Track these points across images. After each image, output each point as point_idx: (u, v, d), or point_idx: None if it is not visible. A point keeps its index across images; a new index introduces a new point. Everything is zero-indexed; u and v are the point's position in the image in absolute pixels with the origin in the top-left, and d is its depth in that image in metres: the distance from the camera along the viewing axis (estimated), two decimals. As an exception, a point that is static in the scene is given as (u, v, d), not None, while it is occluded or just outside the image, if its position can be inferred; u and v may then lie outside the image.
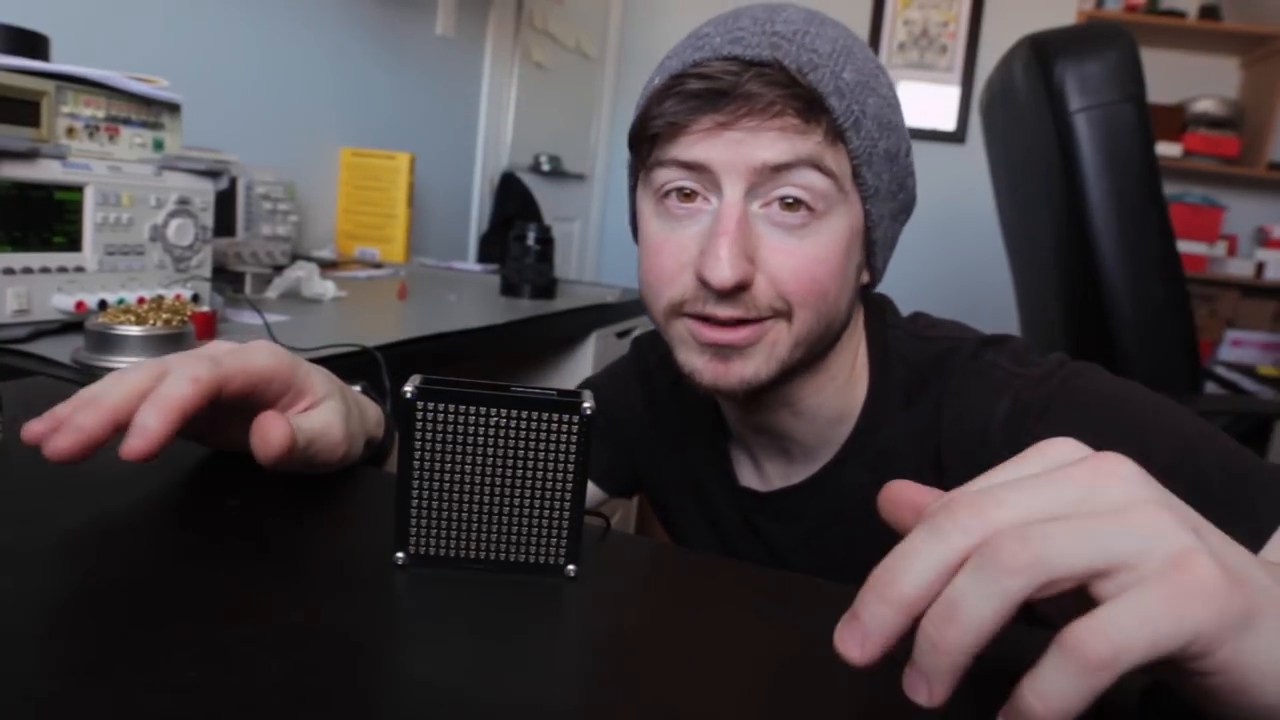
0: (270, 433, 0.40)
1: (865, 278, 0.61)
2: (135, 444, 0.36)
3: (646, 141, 0.57)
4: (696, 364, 0.57)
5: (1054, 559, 0.24)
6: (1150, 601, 0.23)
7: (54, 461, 0.35)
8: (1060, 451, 0.29)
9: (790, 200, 0.54)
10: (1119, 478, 0.26)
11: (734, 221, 0.53)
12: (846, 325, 0.61)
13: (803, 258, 0.54)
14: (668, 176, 0.56)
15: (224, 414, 0.44)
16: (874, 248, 0.59)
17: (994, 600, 0.24)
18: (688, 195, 0.56)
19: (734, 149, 0.53)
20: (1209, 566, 0.24)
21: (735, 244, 0.53)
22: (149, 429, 0.36)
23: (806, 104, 0.52)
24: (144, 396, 0.37)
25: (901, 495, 0.31)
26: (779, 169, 0.53)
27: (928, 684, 0.25)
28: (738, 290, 0.54)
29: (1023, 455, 0.29)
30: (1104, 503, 0.26)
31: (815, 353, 0.59)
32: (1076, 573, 0.24)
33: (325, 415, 0.46)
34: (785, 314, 0.55)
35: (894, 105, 0.58)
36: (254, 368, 0.42)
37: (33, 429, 0.36)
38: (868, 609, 0.26)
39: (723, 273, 0.52)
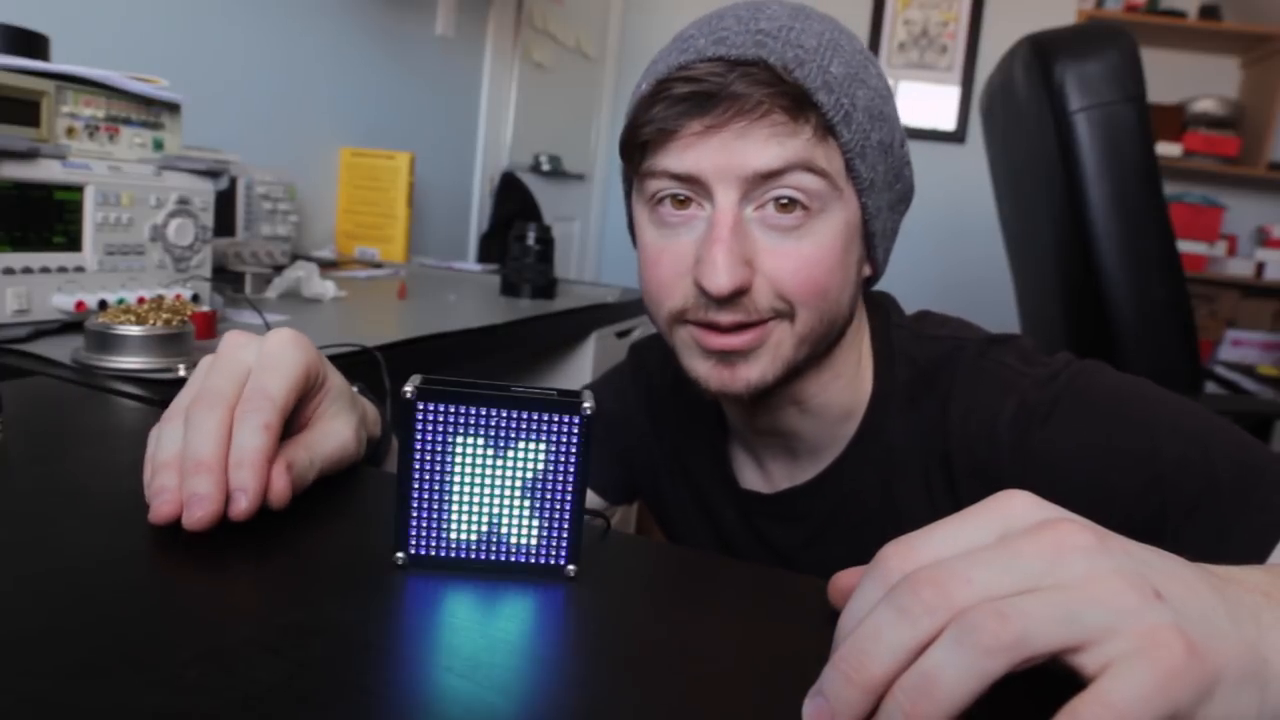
0: (274, 487, 0.40)
1: (867, 271, 0.61)
2: (244, 507, 0.37)
3: (637, 149, 0.56)
4: (702, 370, 0.57)
5: (1033, 638, 0.24)
6: (1144, 679, 0.24)
7: (194, 530, 0.36)
8: (1017, 513, 0.29)
9: (784, 200, 0.54)
10: (1080, 550, 0.26)
11: (728, 228, 0.53)
12: (850, 320, 0.61)
13: (800, 258, 0.54)
14: (660, 185, 0.56)
15: None
16: (873, 240, 0.59)
17: (972, 679, 0.24)
18: (681, 202, 0.56)
19: (724, 156, 0.53)
20: (1178, 644, 0.24)
21: (730, 251, 0.53)
22: (250, 490, 0.37)
23: (794, 101, 0.52)
24: (225, 447, 0.38)
25: (850, 585, 0.32)
26: (770, 175, 0.53)
27: None
28: (736, 295, 0.54)
29: (978, 510, 0.29)
30: (1068, 575, 0.26)
31: (820, 349, 0.59)
32: (1053, 649, 0.25)
33: (341, 432, 0.46)
34: (787, 314, 0.55)
35: (885, 96, 0.58)
36: (297, 376, 0.42)
37: (161, 511, 0.37)
38: (835, 690, 0.26)
39: (719, 280, 0.52)
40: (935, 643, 0.25)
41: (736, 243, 0.53)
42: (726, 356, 0.56)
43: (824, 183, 0.54)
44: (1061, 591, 0.25)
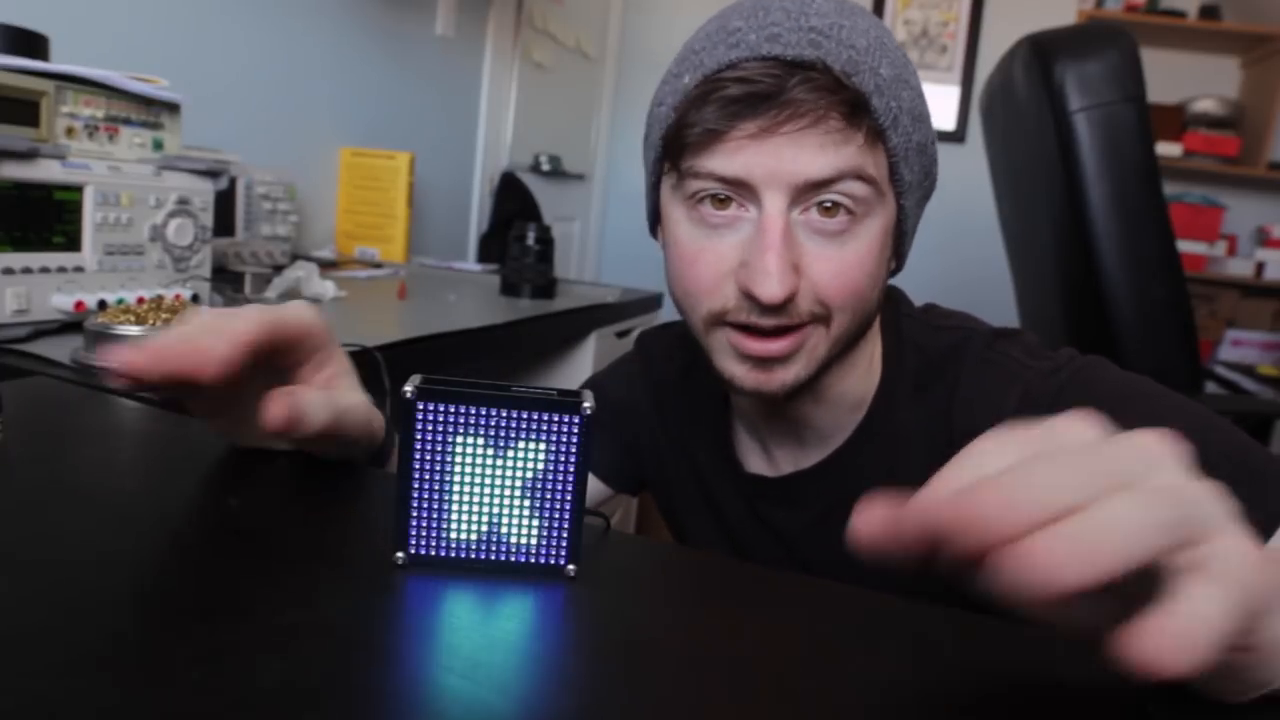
0: (268, 407, 0.40)
1: (891, 265, 0.61)
2: (200, 363, 0.38)
3: (678, 144, 0.55)
4: (738, 372, 0.57)
5: (1196, 521, 0.25)
6: (1235, 576, 0.24)
7: (131, 379, 0.38)
8: (1081, 431, 0.27)
9: (829, 204, 0.53)
10: (1165, 458, 0.26)
11: (779, 234, 0.52)
12: (875, 316, 0.61)
13: (843, 263, 0.54)
14: (702, 186, 0.54)
15: (259, 382, 0.45)
16: (904, 238, 0.59)
17: (1145, 540, 0.23)
18: (721, 201, 0.54)
19: (776, 162, 0.51)
20: (1256, 554, 0.25)
21: (782, 258, 0.52)
22: (216, 351, 0.38)
23: (851, 107, 0.51)
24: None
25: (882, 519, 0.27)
26: (821, 184, 0.52)
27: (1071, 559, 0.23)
28: (785, 302, 0.53)
29: (1040, 430, 0.27)
30: (1172, 477, 0.25)
31: (848, 346, 0.59)
32: (1178, 544, 0.24)
33: (357, 396, 0.48)
34: (824, 319, 0.55)
35: (922, 95, 0.58)
36: (303, 318, 0.44)
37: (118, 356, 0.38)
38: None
39: (772, 289, 0.51)
40: (1110, 497, 0.24)
41: (787, 249, 0.52)
42: (764, 361, 0.56)
43: (871, 189, 0.53)
44: (1178, 490, 0.25)
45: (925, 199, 0.62)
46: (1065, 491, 0.24)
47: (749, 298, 0.53)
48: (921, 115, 0.57)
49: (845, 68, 0.51)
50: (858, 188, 0.53)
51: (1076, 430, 0.27)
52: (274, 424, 0.40)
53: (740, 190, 0.53)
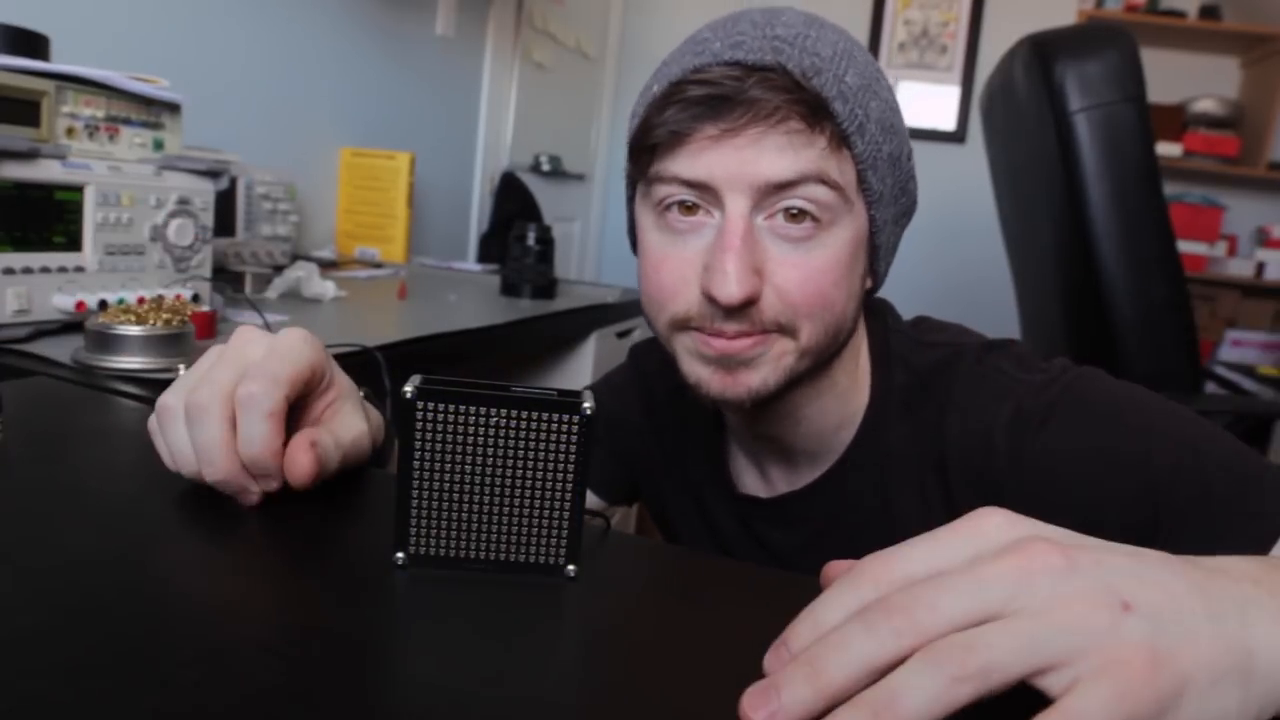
0: (297, 463, 0.42)
1: (868, 283, 0.61)
2: (272, 487, 0.42)
3: (646, 151, 0.55)
4: (703, 375, 0.56)
5: (998, 667, 0.25)
6: (1104, 696, 0.24)
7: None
8: (990, 534, 0.29)
9: (795, 211, 0.53)
10: (1046, 572, 0.26)
11: (739, 237, 0.52)
12: (853, 333, 0.60)
13: (809, 269, 0.53)
14: (669, 191, 0.54)
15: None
16: (877, 253, 0.58)
17: (938, 702, 0.25)
18: (689, 208, 0.54)
19: (738, 164, 0.52)
20: (1139, 659, 0.25)
21: (742, 259, 0.51)
22: (273, 473, 0.41)
23: (811, 109, 0.51)
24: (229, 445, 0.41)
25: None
26: (783, 186, 0.52)
27: None
28: (745, 305, 0.53)
29: (954, 529, 0.29)
30: (1034, 600, 0.26)
31: (823, 360, 0.58)
32: (1019, 675, 0.25)
33: (358, 424, 0.47)
34: (790, 330, 0.54)
35: (894, 108, 0.57)
36: (303, 368, 0.44)
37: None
38: (790, 688, 0.26)
39: (730, 290, 0.51)
40: (905, 665, 0.26)
41: (747, 251, 0.52)
42: (728, 362, 0.55)
43: (836, 195, 0.53)
44: (1026, 619, 0.26)
45: (904, 217, 0.61)
46: (867, 654, 0.26)
47: (711, 301, 0.53)
48: (893, 128, 0.56)
49: (805, 71, 0.51)
50: (821, 192, 0.52)
51: (953, 547, 0.29)
52: (302, 478, 0.41)
53: (704, 194, 0.53)
